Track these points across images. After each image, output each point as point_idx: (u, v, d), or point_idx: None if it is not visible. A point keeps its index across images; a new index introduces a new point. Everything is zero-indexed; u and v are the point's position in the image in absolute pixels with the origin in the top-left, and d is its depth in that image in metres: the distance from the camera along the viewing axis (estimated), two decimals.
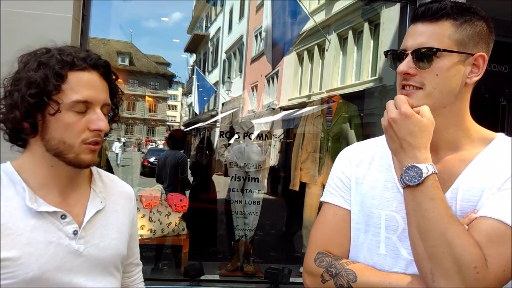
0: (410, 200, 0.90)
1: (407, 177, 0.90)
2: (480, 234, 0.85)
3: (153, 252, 4.31)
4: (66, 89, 0.95)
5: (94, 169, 1.13)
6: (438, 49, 0.93)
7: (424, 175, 0.88)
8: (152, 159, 10.58)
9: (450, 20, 0.95)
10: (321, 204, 1.14)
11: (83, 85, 0.97)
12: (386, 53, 1.05)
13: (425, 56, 0.94)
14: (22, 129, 0.97)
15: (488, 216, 0.86)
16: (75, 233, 1.01)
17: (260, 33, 9.51)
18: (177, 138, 4.94)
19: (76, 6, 2.63)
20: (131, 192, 1.22)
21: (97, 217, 1.06)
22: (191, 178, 5.21)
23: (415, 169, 0.89)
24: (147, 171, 9.97)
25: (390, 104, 0.94)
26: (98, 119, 0.98)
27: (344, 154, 1.16)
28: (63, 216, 1.00)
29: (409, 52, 0.96)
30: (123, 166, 10.29)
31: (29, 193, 0.97)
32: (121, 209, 1.14)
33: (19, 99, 0.93)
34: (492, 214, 0.86)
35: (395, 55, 1.01)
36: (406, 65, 0.96)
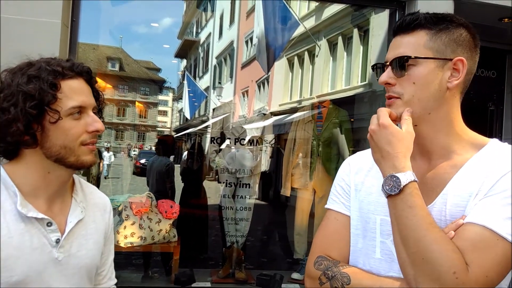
0: (392, 208, 0.93)
1: (387, 187, 0.92)
2: (465, 240, 0.86)
3: (144, 260, 4.27)
4: (62, 97, 1.01)
5: (76, 178, 1.17)
6: (410, 57, 0.97)
7: (402, 184, 0.90)
8: (143, 161, 11.47)
9: (425, 30, 0.99)
10: (312, 209, 1.16)
11: (75, 91, 1.04)
12: (373, 67, 1.11)
13: (401, 65, 0.98)
14: (22, 141, 1.01)
15: (474, 222, 0.87)
16: (57, 241, 1.04)
17: (251, 39, 9.54)
18: (164, 144, 4.91)
19: (65, 12, 2.61)
20: (108, 204, 1.26)
21: (77, 226, 1.10)
22: (181, 184, 5.18)
23: (394, 179, 0.91)
24: (139, 171, 10.65)
25: (373, 117, 0.99)
26: (94, 121, 1.05)
27: (346, 162, 1.20)
28: (49, 224, 1.03)
29: (388, 63, 1.02)
30: (113, 178, 10.15)
31: (20, 198, 0.99)
32: (98, 220, 1.18)
33: (19, 113, 0.97)
34: (478, 220, 0.87)
35: (380, 68, 1.06)
36: (386, 75, 1.01)
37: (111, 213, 1.26)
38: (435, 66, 0.98)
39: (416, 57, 0.97)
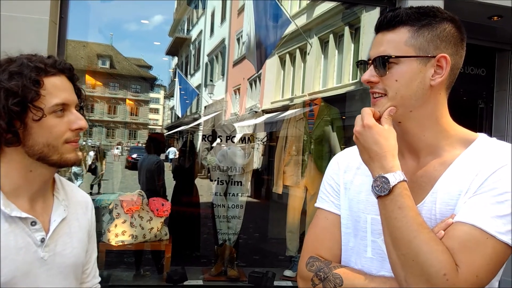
0: (381, 209, 0.92)
1: (376, 188, 0.91)
2: (454, 240, 0.86)
3: (135, 258, 4.25)
4: (45, 95, 0.99)
5: (57, 177, 1.15)
6: (390, 56, 0.96)
7: (391, 184, 0.89)
8: (134, 155, 11.89)
9: (407, 27, 0.97)
10: (304, 207, 1.16)
11: (58, 88, 1.02)
12: (357, 64, 1.10)
13: (382, 63, 0.97)
14: (4, 139, 0.98)
15: (463, 221, 0.87)
16: (42, 240, 1.02)
17: (242, 37, 9.51)
18: (154, 142, 4.86)
19: (53, 8, 2.58)
20: (89, 201, 1.25)
21: (61, 225, 1.09)
22: (173, 182, 5.16)
23: (383, 179, 0.90)
24: (130, 165, 10.94)
25: (357, 118, 0.98)
26: (77, 119, 1.04)
27: (335, 160, 1.19)
28: (33, 223, 1.01)
29: (371, 61, 1.00)
30: (105, 180, 10.10)
31: (3, 198, 0.97)
32: (81, 218, 1.18)
33: (1, 110, 0.95)
34: (467, 219, 0.86)
35: (363, 64, 1.05)
36: (368, 74, 1.00)
37: (93, 211, 1.25)
38: (418, 64, 0.96)
39: (397, 56, 0.96)
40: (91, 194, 8.81)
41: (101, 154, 10.10)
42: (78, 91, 1.10)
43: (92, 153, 10.02)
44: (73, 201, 1.17)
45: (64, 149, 1.02)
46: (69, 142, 1.03)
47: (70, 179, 9.35)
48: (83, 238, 1.16)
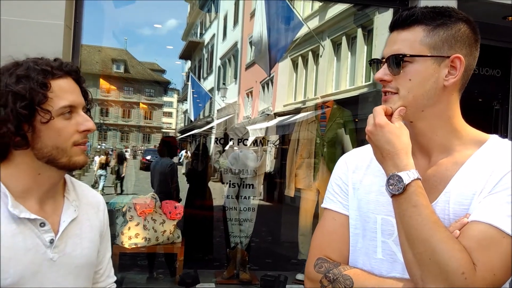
0: (396, 208, 0.91)
1: (390, 187, 0.91)
2: (471, 239, 0.85)
3: (148, 261, 4.28)
4: (52, 97, 0.99)
5: (68, 177, 1.15)
6: (405, 55, 0.95)
7: (405, 183, 0.88)
8: (148, 157, 12.72)
9: (422, 26, 0.96)
10: (317, 210, 1.14)
11: (65, 91, 1.02)
12: (370, 63, 1.08)
13: (396, 62, 0.96)
14: (13, 142, 0.99)
15: (479, 220, 0.86)
16: (51, 241, 1.02)
17: None
18: (166, 146, 4.90)
19: (68, 13, 2.62)
20: (101, 202, 1.25)
21: (71, 226, 1.08)
22: (187, 185, 5.19)
23: (396, 178, 0.89)
24: (145, 166, 11.66)
25: (369, 117, 0.97)
26: (85, 120, 1.04)
27: (342, 160, 1.17)
28: (42, 224, 1.01)
29: (385, 59, 1.00)
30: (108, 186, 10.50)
31: (11, 199, 0.98)
32: (92, 218, 1.17)
33: (10, 113, 0.95)
34: (483, 218, 0.86)
35: (376, 63, 1.04)
36: (381, 72, 0.99)
37: (105, 211, 1.24)
38: (432, 64, 0.95)
39: (411, 55, 0.95)
40: (116, 193, 9.75)
41: (122, 157, 10.93)
42: (84, 93, 1.10)
43: (97, 158, 10.46)
44: (84, 201, 1.17)
45: (73, 152, 1.02)
46: (78, 145, 1.03)
47: (96, 182, 9.77)
48: (95, 239, 1.16)
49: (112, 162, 10.67)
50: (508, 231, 0.83)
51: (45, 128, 0.98)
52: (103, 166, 10.25)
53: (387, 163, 0.93)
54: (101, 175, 10.26)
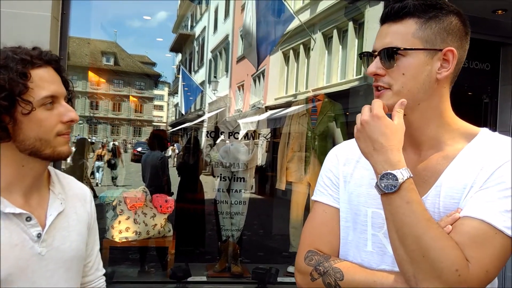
0: (387, 205, 0.90)
1: (383, 185, 0.89)
2: (463, 235, 0.85)
3: (139, 255, 4.27)
4: (33, 87, 0.97)
5: (52, 170, 1.14)
6: (399, 48, 0.94)
7: (400, 182, 0.87)
8: (139, 149, 12.69)
9: (414, 18, 0.96)
10: (308, 203, 1.14)
11: (46, 80, 1.00)
12: (360, 56, 1.07)
13: (389, 56, 0.95)
14: None
15: (470, 216, 0.86)
16: (38, 236, 1.01)
17: None
18: (157, 139, 4.88)
19: (55, 5, 2.57)
20: (88, 193, 1.23)
21: (58, 219, 1.07)
22: (178, 178, 5.17)
23: (391, 176, 0.88)
24: (136, 158, 11.69)
25: (365, 107, 0.96)
26: (68, 111, 1.03)
27: (333, 153, 1.17)
28: (28, 219, 1.00)
29: (377, 53, 0.98)
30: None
31: None
32: (80, 211, 1.16)
33: None
34: (474, 214, 0.86)
35: (367, 56, 1.03)
36: (374, 66, 0.98)
37: (92, 203, 1.23)
38: (425, 57, 0.95)
39: (405, 49, 0.94)
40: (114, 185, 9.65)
41: (118, 150, 10.89)
42: (65, 83, 1.08)
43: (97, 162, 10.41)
44: (70, 194, 1.15)
45: (57, 142, 1.01)
46: (61, 135, 1.01)
47: (92, 173, 9.73)
48: (82, 231, 1.14)
49: (107, 156, 10.60)
50: (500, 227, 0.83)
51: (27, 120, 0.96)
52: (100, 157, 10.21)
53: (378, 158, 0.91)
54: (99, 167, 10.16)
